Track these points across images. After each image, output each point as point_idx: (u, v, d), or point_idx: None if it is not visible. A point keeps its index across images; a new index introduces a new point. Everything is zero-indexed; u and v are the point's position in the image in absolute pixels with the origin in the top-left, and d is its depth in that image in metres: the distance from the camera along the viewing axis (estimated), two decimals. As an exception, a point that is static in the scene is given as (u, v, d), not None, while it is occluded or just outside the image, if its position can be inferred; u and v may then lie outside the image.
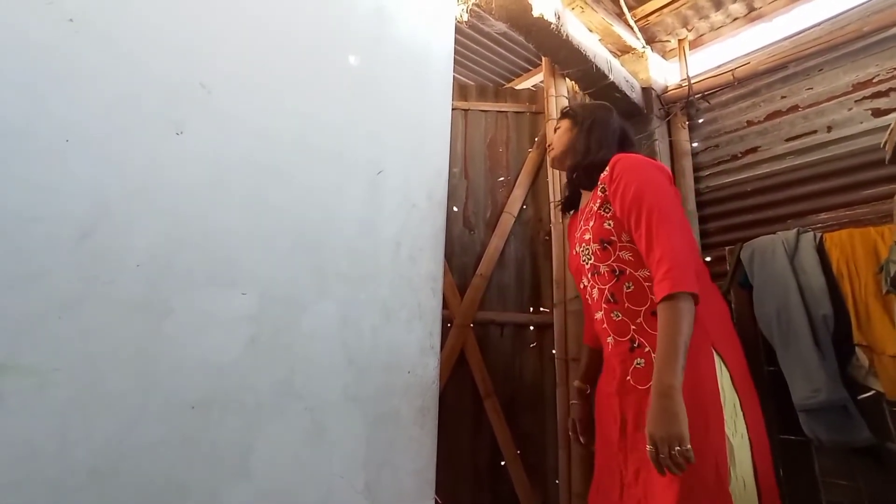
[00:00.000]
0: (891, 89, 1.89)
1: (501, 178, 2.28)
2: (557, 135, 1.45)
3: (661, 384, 0.95)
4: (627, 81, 2.31)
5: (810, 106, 2.08)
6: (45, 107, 0.76)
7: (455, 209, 2.19)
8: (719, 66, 2.40)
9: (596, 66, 2.08)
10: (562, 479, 1.84)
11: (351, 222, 1.12)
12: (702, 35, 2.58)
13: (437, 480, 1.18)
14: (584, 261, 1.29)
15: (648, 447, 0.93)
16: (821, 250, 1.69)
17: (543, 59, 2.30)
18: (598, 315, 1.26)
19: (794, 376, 1.59)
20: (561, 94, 2.24)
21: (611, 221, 1.21)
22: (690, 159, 2.39)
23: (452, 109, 1.62)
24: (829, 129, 2.01)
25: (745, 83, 2.26)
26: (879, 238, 1.59)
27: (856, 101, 1.96)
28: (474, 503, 1.88)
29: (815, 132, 2.05)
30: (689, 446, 0.90)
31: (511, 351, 2.08)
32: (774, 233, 1.83)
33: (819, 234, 1.72)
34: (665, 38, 2.62)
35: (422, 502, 1.13)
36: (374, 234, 1.16)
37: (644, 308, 1.14)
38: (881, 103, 1.90)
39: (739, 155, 2.26)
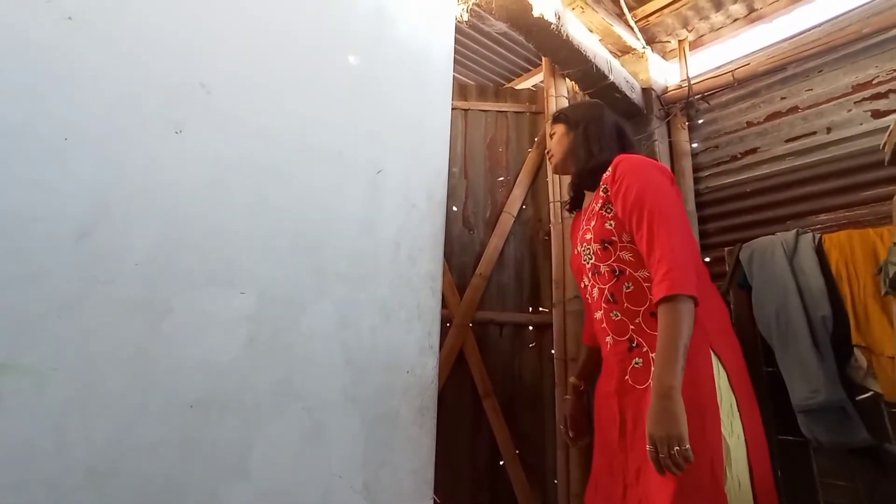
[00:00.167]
0: (890, 91, 1.89)
1: (501, 178, 2.28)
2: (554, 141, 1.45)
3: (661, 385, 0.96)
4: (627, 82, 2.31)
5: (810, 107, 2.08)
6: (45, 106, 0.75)
7: (455, 209, 2.19)
8: (719, 67, 2.40)
9: (596, 66, 2.08)
10: (560, 478, 1.84)
11: (350, 222, 1.12)
12: (702, 36, 2.58)
13: (435, 480, 1.18)
14: (584, 260, 1.30)
15: (648, 447, 0.94)
16: (820, 251, 1.69)
17: (543, 59, 2.30)
18: (598, 315, 1.27)
19: (792, 377, 1.60)
20: (561, 94, 2.24)
21: (612, 222, 1.21)
22: (690, 160, 2.39)
23: (452, 109, 1.62)
24: (829, 130, 2.01)
25: (744, 84, 2.26)
26: (878, 239, 1.59)
27: (855, 103, 1.96)
28: (473, 503, 1.88)
29: (814, 133, 2.05)
30: (688, 446, 0.90)
31: (510, 351, 2.08)
32: (774, 234, 1.83)
33: (818, 236, 1.72)
34: (665, 39, 2.62)
35: (420, 502, 1.13)
36: (373, 234, 1.16)
37: (643, 308, 1.15)
38: (881, 105, 1.90)
39: (739, 156, 2.26)
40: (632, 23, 2.44)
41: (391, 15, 1.32)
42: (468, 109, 2.34)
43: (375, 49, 1.27)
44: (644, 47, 2.49)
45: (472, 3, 1.82)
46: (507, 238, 2.17)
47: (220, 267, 0.89)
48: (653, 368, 1.02)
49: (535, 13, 1.78)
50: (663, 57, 2.64)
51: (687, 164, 2.37)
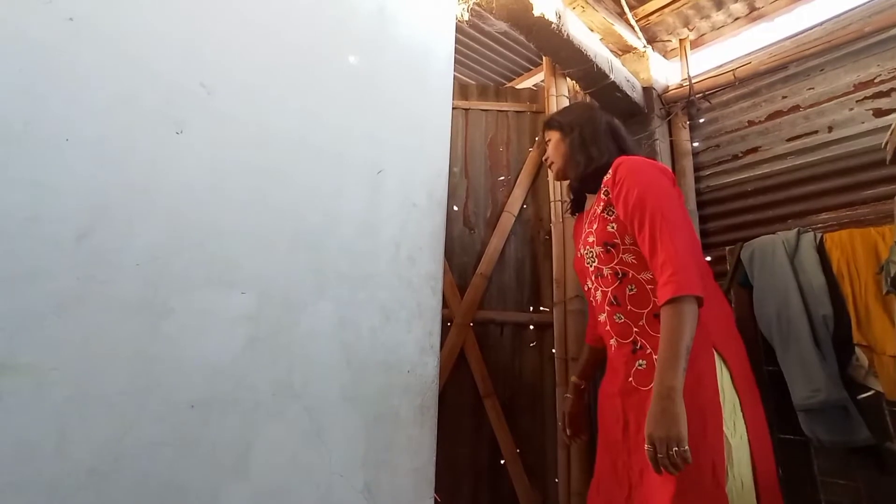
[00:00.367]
0: (892, 89, 1.88)
1: (502, 178, 2.28)
2: (551, 148, 1.44)
3: (663, 386, 0.96)
4: (628, 81, 2.31)
5: (811, 106, 2.08)
6: (45, 106, 0.76)
7: (455, 208, 2.19)
8: (720, 66, 2.40)
9: (597, 65, 2.08)
10: (561, 477, 1.84)
11: (350, 222, 1.12)
12: (703, 35, 2.58)
13: (436, 479, 1.18)
14: (588, 263, 1.30)
15: (647, 447, 0.94)
16: (821, 250, 1.69)
17: (544, 58, 2.30)
18: (602, 317, 1.27)
19: (793, 376, 1.59)
20: (562, 93, 2.24)
21: (614, 224, 1.21)
22: (691, 159, 2.38)
23: (453, 109, 1.61)
24: (830, 129, 2.01)
25: (746, 83, 2.26)
26: (880, 238, 1.59)
27: (857, 102, 1.96)
28: (474, 502, 1.88)
29: (816, 132, 2.04)
30: (686, 447, 0.90)
31: (511, 350, 2.08)
32: (775, 233, 1.83)
33: (819, 235, 1.72)
34: (666, 38, 2.61)
35: (421, 501, 1.13)
36: (373, 234, 1.16)
37: (646, 311, 1.15)
38: (882, 103, 1.89)
39: (740, 155, 2.26)
40: (633, 22, 2.44)
41: (392, 15, 1.32)
42: (469, 109, 2.33)
43: (376, 49, 1.27)
44: (645, 46, 2.49)
45: (473, 3, 1.81)
46: (507, 238, 2.17)
47: (220, 267, 0.89)
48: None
49: (536, 12, 1.78)
50: (664, 56, 2.63)
51: (688, 164, 2.37)
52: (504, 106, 2.37)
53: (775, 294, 1.70)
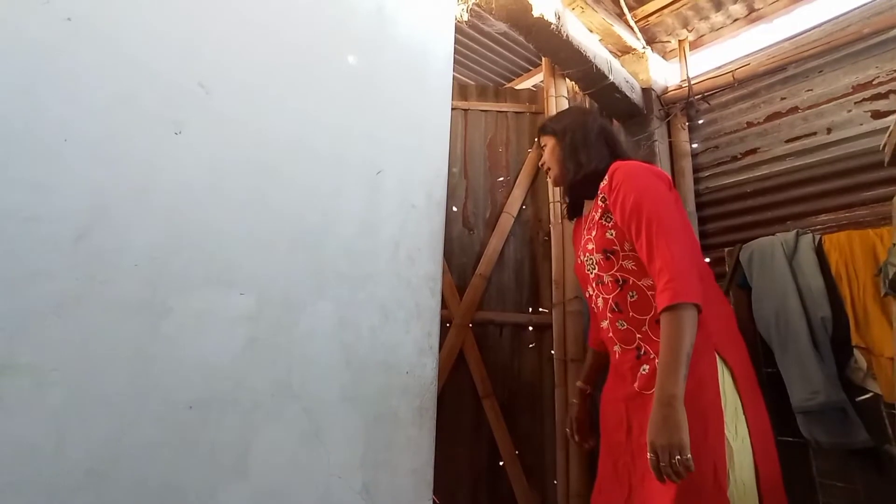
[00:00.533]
0: (890, 91, 1.89)
1: (501, 179, 2.28)
2: (547, 154, 1.44)
3: (664, 393, 0.96)
4: (627, 82, 2.31)
5: (810, 107, 2.08)
6: (44, 107, 0.75)
7: (454, 209, 2.19)
8: (719, 67, 2.40)
9: (596, 66, 2.08)
10: (560, 479, 1.84)
11: (349, 223, 1.12)
12: (702, 36, 2.58)
13: (435, 481, 1.18)
14: (588, 270, 1.30)
15: (649, 455, 0.94)
16: (820, 252, 1.69)
17: (543, 59, 2.30)
18: (604, 324, 1.26)
19: (792, 378, 1.59)
20: (561, 94, 2.24)
21: (612, 231, 1.21)
22: (690, 160, 2.39)
23: (452, 109, 1.61)
24: (829, 130, 2.01)
25: (745, 84, 2.26)
26: (878, 240, 1.59)
27: (855, 103, 1.96)
28: (473, 503, 1.88)
29: (814, 134, 2.05)
30: (689, 455, 0.90)
31: (510, 351, 2.08)
32: (774, 234, 1.83)
33: (818, 236, 1.72)
34: (665, 39, 2.62)
35: (420, 502, 1.13)
36: (372, 235, 1.16)
37: (648, 317, 1.15)
38: (881, 105, 1.90)
39: (739, 156, 2.26)
40: (632, 23, 2.44)
41: (391, 15, 1.32)
42: (468, 109, 2.34)
43: (375, 49, 1.27)
44: (644, 47, 2.49)
45: (472, 3, 1.81)
46: (506, 238, 2.17)
47: (219, 267, 0.89)
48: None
49: (535, 13, 1.78)
50: (663, 57, 2.64)
51: (687, 165, 2.37)
52: (503, 106, 2.37)
53: (774, 296, 1.70)
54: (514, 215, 2.20)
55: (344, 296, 1.07)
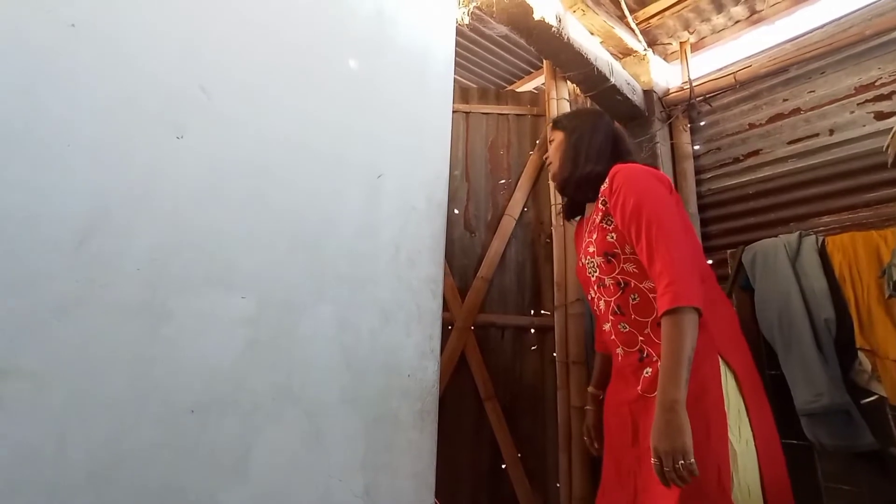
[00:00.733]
0: (893, 92, 1.88)
1: (502, 181, 2.28)
2: (553, 148, 1.44)
3: (666, 398, 0.96)
4: (629, 84, 2.31)
5: (812, 109, 2.08)
6: (46, 110, 0.76)
7: (456, 211, 2.19)
8: (721, 69, 2.40)
9: (597, 68, 2.08)
10: (562, 482, 1.83)
11: (350, 225, 1.12)
12: (703, 38, 2.58)
13: (436, 484, 1.17)
14: (589, 273, 1.29)
15: (653, 460, 0.94)
16: (823, 254, 1.69)
17: (545, 61, 2.30)
18: (606, 327, 1.26)
19: (796, 380, 1.58)
20: (562, 96, 2.24)
21: (613, 234, 1.21)
22: (692, 162, 2.38)
23: (453, 112, 1.62)
24: (832, 132, 2.00)
25: (746, 86, 2.26)
26: (882, 241, 1.58)
27: (858, 105, 1.96)
28: (474, 506, 1.87)
29: (817, 135, 2.04)
30: (692, 460, 0.90)
31: (512, 354, 2.07)
32: (776, 236, 1.83)
33: (821, 238, 1.71)
34: (666, 41, 2.62)
35: (421, 506, 1.12)
36: (373, 237, 1.16)
37: (650, 319, 1.14)
38: (884, 106, 1.89)
39: (741, 158, 2.26)
40: (633, 25, 2.44)
41: (392, 18, 1.33)
42: (469, 112, 2.34)
43: (376, 52, 1.27)
44: (645, 49, 2.49)
45: (474, 6, 1.82)
46: (508, 241, 2.17)
47: (220, 270, 0.89)
48: None
49: (536, 16, 1.78)
50: (665, 59, 2.64)
51: (689, 167, 2.37)
52: (505, 109, 2.37)
53: (777, 297, 1.69)
54: (516, 218, 2.20)
55: (344, 298, 1.07)
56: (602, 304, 1.26)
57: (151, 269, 0.82)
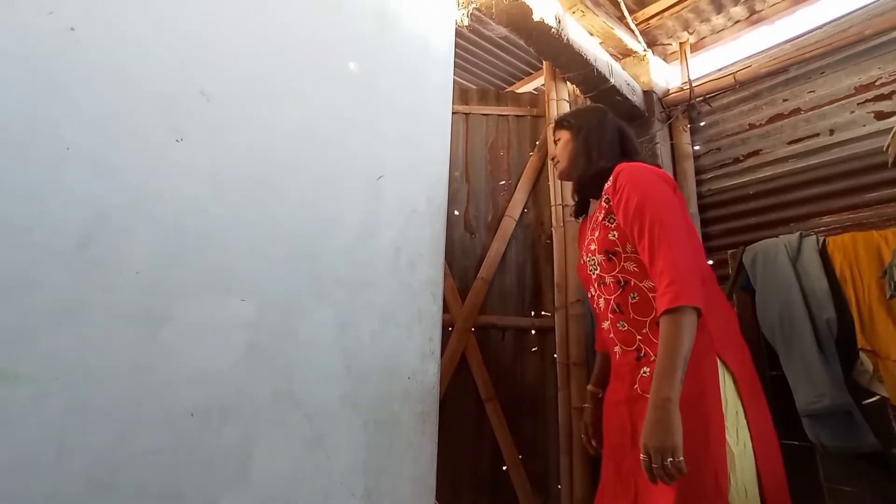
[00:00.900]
0: (893, 92, 1.88)
1: (503, 182, 2.28)
2: (560, 147, 1.44)
3: (658, 396, 0.96)
4: (629, 85, 2.31)
5: (812, 109, 2.08)
6: (45, 116, 0.76)
7: (456, 213, 2.19)
8: (721, 69, 2.40)
9: (597, 69, 2.08)
10: (564, 483, 1.83)
11: (349, 228, 1.12)
12: (703, 38, 2.58)
13: (437, 486, 1.17)
14: (590, 270, 1.29)
15: (642, 456, 0.94)
16: (824, 254, 1.68)
17: (544, 62, 2.30)
18: (605, 325, 1.26)
19: (797, 381, 1.58)
20: (562, 97, 2.24)
21: (615, 232, 1.21)
22: (692, 162, 2.38)
23: (453, 113, 1.62)
24: (832, 132, 2.00)
25: (746, 86, 2.26)
26: (883, 242, 1.58)
27: (858, 104, 1.95)
28: (476, 508, 1.87)
29: (817, 135, 2.04)
30: (681, 458, 0.90)
31: (512, 355, 2.07)
32: (777, 236, 1.82)
33: (822, 238, 1.71)
34: (666, 42, 2.61)
35: (422, 509, 1.12)
36: (372, 240, 1.16)
37: (649, 318, 1.14)
38: (884, 106, 1.89)
39: (741, 158, 2.26)
40: (632, 26, 2.44)
41: (391, 20, 1.33)
42: (469, 113, 2.34)
43: (376, 54, 1.27)
44: (645, 50, 2.49)
45: (473, 8, 1.82)
46: (508, 242, 2.17)
47: (220, 275, 0.89)
48: None
49: (536, 17, 1.78)
50: (664, 59, 2.64)
51: (689, 167, 2.37)
52: (504, 110, 2.37)
53: (778, 298, 1.69)
54: (516, 219, 2.20)
55: (344, 301, 1.07)
56: (602, 301, 1.26)
57: (151, 273, 0.81)
